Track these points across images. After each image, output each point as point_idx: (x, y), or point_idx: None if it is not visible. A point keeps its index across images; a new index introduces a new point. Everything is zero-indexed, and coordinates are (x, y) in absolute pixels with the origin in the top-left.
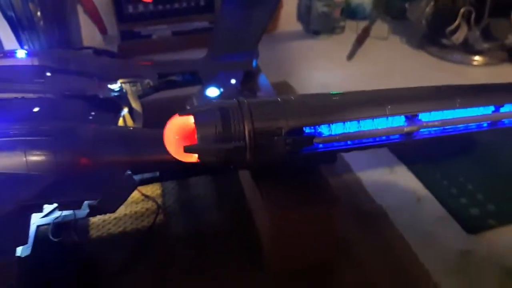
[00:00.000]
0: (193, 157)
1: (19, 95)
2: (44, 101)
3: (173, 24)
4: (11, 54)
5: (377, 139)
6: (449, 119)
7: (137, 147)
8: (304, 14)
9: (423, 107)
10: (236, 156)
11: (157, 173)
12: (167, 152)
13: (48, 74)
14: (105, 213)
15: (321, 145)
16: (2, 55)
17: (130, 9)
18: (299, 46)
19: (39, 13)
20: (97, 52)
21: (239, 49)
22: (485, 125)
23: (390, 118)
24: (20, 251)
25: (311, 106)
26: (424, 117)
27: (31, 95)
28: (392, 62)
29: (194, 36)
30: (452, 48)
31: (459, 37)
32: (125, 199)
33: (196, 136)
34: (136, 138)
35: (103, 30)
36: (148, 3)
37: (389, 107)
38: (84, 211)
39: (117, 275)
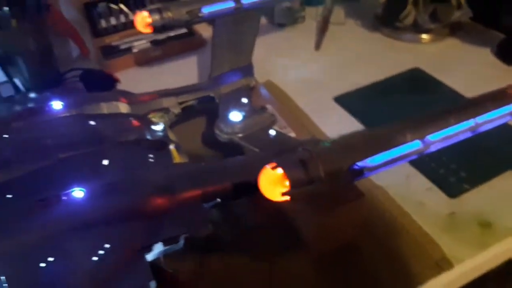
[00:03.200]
0: (285, 198)
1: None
2: (105, 152)
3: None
4: (49, 108)
5: (402, 160)
6: (448, 134)
7: (205, 180)
8: (267, 8)
9: (429, 130)
10: (315, 191)
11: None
12: (228, 181)
13: (92, 123)
14: (197, 240)
15: (367, 173)
16: (40, 109)
17: (103, 23)
18: (269, 40)
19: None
20: (88, 72)
21: (238, 63)
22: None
23: (409, 144)
24: None
25: (358, 146)
26: (432, 137)
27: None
28: (354, 47)
29: (174, 43)
30: (403, 29)
31: (409, 20)
32: (207, 225)
33: (286, 183)
34: (202, 172)
35: (85, 52)
36: (123, 14)
37: (409, 136)
38: (180, 241)
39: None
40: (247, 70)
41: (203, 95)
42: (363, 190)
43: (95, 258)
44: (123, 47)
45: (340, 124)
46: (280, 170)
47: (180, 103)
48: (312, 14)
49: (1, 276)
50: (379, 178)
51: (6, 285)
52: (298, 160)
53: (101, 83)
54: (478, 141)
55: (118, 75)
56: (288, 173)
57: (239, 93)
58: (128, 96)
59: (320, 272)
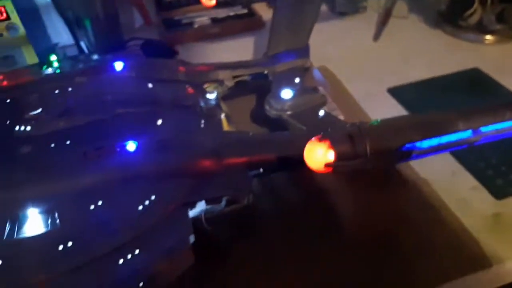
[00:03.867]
0: (328, 169)
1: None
2: (160, 112)
3: (211, 10)
4: (111, 67)
5: (451, 148)
6: (502, 128)
7: (252, 149)
8: None
9: (483, 122)
10: (360, 167)
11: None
12: (274, 153)
13: (150, 85)
14: (238, 204)
15: (414, 156)
16: (102, 68)
17: None
18: (328, 28)
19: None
20: (149, 42)
21: (295, 45)
22: None
23: (460, 132)
24: None
25: (408, 128)
26: (484, 128)
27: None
28: (414, 42)
29: (233, 22)
30: (466, 28)
31: (474, 19)
32: (249, 192)
33: (330, 155)
34: (250, 141)
35: (149, 22)
36: None
37: (460, 124)
38: (222, 203)
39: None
40: (304, 51)
41: (257, 71)
42: (406, 180)
43: (140, 208)
44: (184, 21)
45: (392, 115)
46: (326, 142)
47: (234, 77)
48: (374, 5)
49: (55, 212)
50: (424, 171)
51: (58, 220)
52: (346, 134)
53: (161, 54)
54: None
55: (177, 48)
56: (334, 145)
57: (293, 73)
58: (186, 65)
59: (355, 258)
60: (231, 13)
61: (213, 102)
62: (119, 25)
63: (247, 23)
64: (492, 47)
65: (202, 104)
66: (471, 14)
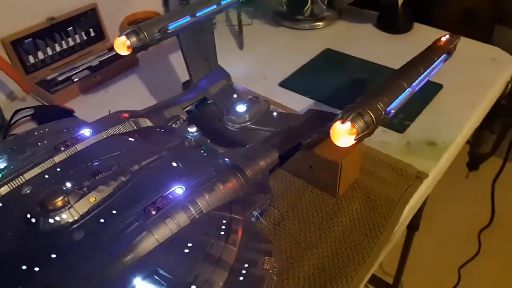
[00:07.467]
0: (352, 142)
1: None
2: (170, 156)
3: (75, 61)
4: (82, 136)
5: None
6: (421, 80)
7: (259, 156)
8: None
9: (413, 79)
10: (370, 133)
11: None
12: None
13: (131, 139)
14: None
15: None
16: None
17: (31, 59)
18: None
19: None
20: (41, 109)
21: (210, 68)
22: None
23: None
24: None
25: (383, 96)
26: (414, 83)
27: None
28: (269, 41)
29: (111, 65)
30: (303, 20)
31: (308, 12)
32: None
33: (352, 130)
34: (255, 151)
35: (26, 88)
36: (46, 48)
37: (404, 84)
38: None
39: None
40: (221, 71)
41: (199, 99)
42: None
43: (222, 233)
44: (60, 79)
45: (295, 102)
46: (348, 123)
47: (183, 109)
48: (221, 20)
49: (158, 270)
50: None
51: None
52: (357, 113)
53: (57, 117)
54: None
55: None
56: (354, 123)
57: (226, 91)
58: (129, 113)
59: (341, 208)
60: (103, 57)
61: (196, 134)
62: None
63: (124, 63)
64: (326, 29)
65: (190, 137)
66: (307, 10)
